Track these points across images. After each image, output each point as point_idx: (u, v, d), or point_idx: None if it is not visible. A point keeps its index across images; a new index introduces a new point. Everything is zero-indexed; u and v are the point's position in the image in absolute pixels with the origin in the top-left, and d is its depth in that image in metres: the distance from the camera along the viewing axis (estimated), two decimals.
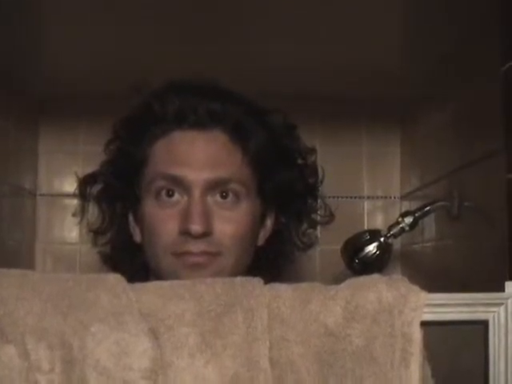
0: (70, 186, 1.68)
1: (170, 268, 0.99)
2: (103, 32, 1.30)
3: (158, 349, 0.73)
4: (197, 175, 1.00)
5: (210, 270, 0.98)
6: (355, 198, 1.75)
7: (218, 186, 1.01)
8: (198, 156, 1.02)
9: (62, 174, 1.71)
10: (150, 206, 1.03)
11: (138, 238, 1.08)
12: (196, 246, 0.99)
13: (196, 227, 0.97)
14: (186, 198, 1.01)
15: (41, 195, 1.71)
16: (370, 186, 1.76)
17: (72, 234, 1.70)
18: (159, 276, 1.02)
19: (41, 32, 1.33)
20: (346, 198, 1.74)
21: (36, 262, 1.69)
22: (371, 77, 1.56)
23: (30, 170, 1.68)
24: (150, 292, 0.76)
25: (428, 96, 1.57)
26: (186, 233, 0.98)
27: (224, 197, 1.02)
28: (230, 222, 1.01)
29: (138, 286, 0.77)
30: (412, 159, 1.68)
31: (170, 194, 1.01)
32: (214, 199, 1.01)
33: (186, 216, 0.99)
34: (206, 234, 0.98)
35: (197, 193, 0.99)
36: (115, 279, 0.77)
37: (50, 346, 0.73)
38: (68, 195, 1.68)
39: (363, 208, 1.76)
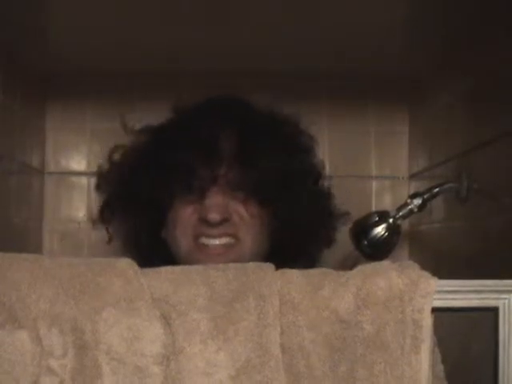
0: (78, 163, 1.70)
1: (191, 254, 1.03)
2: (110, 8, 1.29)
3: (169, 334, 0.73)
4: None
5: (228, 258, 0.99)
6: (363, 177, 1.75)
7: None
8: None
9: (70, 151, 1.71)
10: None
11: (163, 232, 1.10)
12: (215, 231, 1.01)
13: (214, 215, 1.01)
14: None
15: (48, 173, 1.71)
16: (377, 165, 1.76)
17: (80, 212, 1.70)
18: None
19: (46, 8, 1.32)
20: (354, 177, 1.73)
21: (43, 240, 1.69)
22: (379, 54, 1.55)
23: (38, 148, 1.68)
24: (161, 277, 0.76)
25: (437, 75, 1.56)
26: (204, 220, 1.00)
27: None
28: (245, 206, 1.05)
29: (150, 270, 0.77)
30: (420, 139, 1.68)
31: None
32: None
33: (204, 204, 1.01)
34: (225, 220, 1.02)
35: (214, 186, 1.02)
36: (127, 264, 0.77)
37: (62, 331, 0.74)
38: (75, 173, 1.69)
39: (371, 187, 1.75)
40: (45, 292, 0.74)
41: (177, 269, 0.78)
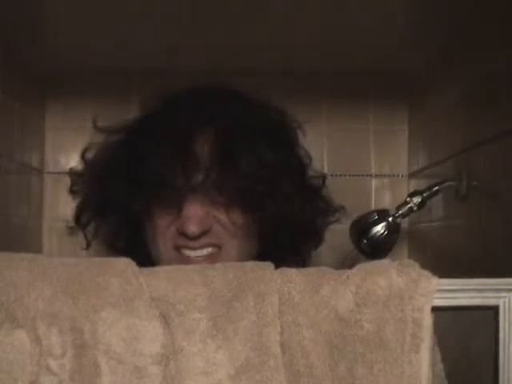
0: (77, 163, 1.70)
1: (173, 262, 0.98)
2: (109, 7, 1.29)
3: (169, 334, 0.73)
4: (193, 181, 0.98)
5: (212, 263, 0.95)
6: (362, 176, 1.75)
7: None
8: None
9: (69, 151, 1.71)
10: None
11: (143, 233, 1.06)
12: (196, 243, 0.98)
13: (192, 228, 0.96)
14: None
15: (48, 172, 1.71)
16: (377, 164, 1.76)
17: None
18: None
19: (45, 7, 1.31)
20: (353, 176, 1.73)
21: (43, 239, 1.69)
22: (379, 53, 1.55)
23: (37, 148, 1.68)
24: (160, 277, 0.76)
25: (437, 73, 1.56)
26: (183, 233, 0.97)
27: None
28: (227, 213, 0.99)
29: (149, 270, 0.77)
30: (420, 137, 1.67)
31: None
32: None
33: (181, 216, 0.97)
34: (204, 233, 0.97)
35: (191, 195, 0.98)
36: (125, 264, 0.76)
37: (61, 330, 0.73)
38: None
39: (370, 186, 1.75)
40: (43, 291, 0.74)
41: (176, 268, 0.78)
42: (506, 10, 1.14)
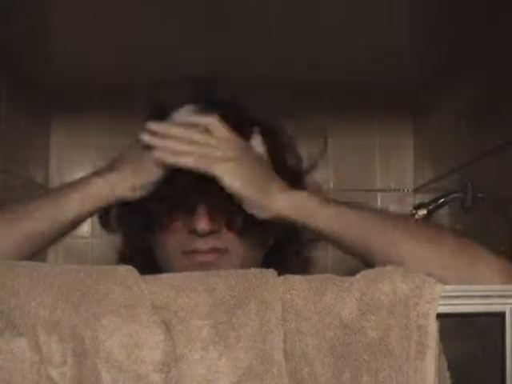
0: None
1: (181, 268, 0.98)
2: (112, 27, 1.30)
3: (170, 341, 0.72)
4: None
5: (218, 268, 0.95)
6: (368, 191, 1.74)
7: None
8: None
9: (74, 166, 1.72)
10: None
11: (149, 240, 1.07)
12: (204, 243, 0.98)
13: (202, 225, 0.97)
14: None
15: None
16: (383, 178, 1.76)
17: (83, 228, 1.69)
18: None
19: (50, 24, 1.33)
20: (359, 191, 1.73)
21: (47, 255, 1.68)
22: (383, 68, 1.55)
23: (42, 163, 1.68)
24: (162, 284, 0.75)
25: (440, 87, 1.56)
26: (193, 231, 0.98)
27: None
28: (236, 219, 0.99)
29: (151, 277, 0.76)
30: (425, 151, 1.67)
31: None
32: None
33: (192, 214, 0.98)
34: (213, 231, 0.98)
35: (202, 198, 0.98)
36: (127, 271, 0.76)
37: (61, 338, 0.72)
38: None
39: (376, 201, 1.75)
40: (44, 299, 0.73)
41: (177, 276, 0.77)
42: (507, 24, 1.14)
